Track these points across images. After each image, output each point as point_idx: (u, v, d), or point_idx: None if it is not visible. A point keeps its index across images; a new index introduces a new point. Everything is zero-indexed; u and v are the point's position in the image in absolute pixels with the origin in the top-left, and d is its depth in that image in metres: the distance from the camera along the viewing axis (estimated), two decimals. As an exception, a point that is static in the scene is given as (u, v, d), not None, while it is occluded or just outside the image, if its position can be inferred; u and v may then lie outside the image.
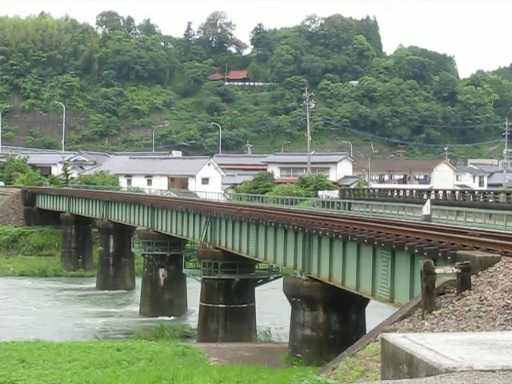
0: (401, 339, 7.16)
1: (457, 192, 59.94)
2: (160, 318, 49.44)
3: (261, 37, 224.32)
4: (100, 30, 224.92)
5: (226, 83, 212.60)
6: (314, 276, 30.23)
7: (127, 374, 23.34)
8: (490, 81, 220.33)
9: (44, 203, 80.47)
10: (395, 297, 23.32)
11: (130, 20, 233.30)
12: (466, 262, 15.17)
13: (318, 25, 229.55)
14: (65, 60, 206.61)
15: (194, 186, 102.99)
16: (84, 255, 73.51)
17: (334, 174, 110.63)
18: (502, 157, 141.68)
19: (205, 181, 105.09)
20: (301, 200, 68.37)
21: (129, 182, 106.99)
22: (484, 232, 21.09)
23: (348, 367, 14.39)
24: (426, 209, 42.65)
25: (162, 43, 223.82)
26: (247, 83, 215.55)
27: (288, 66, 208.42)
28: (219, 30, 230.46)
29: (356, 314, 30.60)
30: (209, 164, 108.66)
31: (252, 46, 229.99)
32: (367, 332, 21.95)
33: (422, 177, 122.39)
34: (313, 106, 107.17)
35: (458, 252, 17.14)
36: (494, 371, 6.22)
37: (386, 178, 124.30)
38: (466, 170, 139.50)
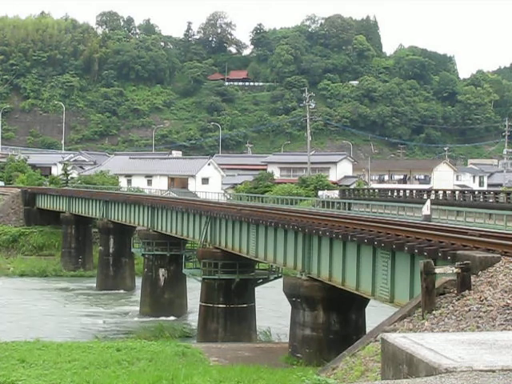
0: (401, 339, 7.17)
1: (457, 192, 59.89)
2: (160, 318, 49.45)
3: (261, 37, 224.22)
4: (100, 30, 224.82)
5: (226, 83, 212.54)
6: (314, 276, 30.23)
7: (127, 373, 23.34)
8: (490, 81, 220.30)
9: (44, 203, 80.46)
10: (395, 297, 23.33)
11: (130, 20, 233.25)
12: (465, 261, 15.17)
13: (318, 25, 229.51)
14: (65, 60, 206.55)
15: (194, 186, 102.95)
16: (84, 255, 73.50)
17: (334, 174, 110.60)
18: (502, 157, 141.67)
19: (205, 181, 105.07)
20: (301, 200, 68.35)
21: (129, 182, 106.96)
22: (484, 232, 21.09)
23: (348, 367, 14.39)
24: (426, 209, 42.65)
25: (162, 43, 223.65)
26: (247, 83, 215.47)
27: (288, 66, 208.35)
28: (219, 30, 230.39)
29: (356, 313, 30.61)
30: (209, 164, 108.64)
31: (252, 46, 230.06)
32: (367, 332, 21.95)
33: (422, 177, 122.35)
34: (313, 106, 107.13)
35: (458, 252, 17.14)
36: (493, 371, 6.22)
37: (386, 177, 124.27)
38: (466, 170, 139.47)
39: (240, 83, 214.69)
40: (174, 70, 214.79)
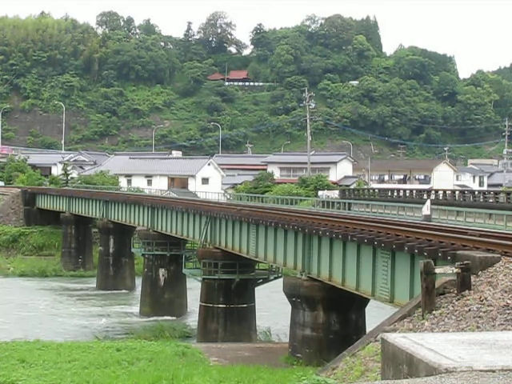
0: (401, 339, 7.17)
1: (457, 192, 59.89)
2: (160, 317, 49.45)
3: (261, 37, 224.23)
4: (100, 30, 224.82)
5: (226, 83, 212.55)
6: (314, 276, 30.23)
7: (127, 373, 23.35)
8: (490, 81, 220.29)
9: (44, 203, 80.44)
10: (395, 297, 23.33)
11: (130, 20, 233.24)
12: (465, 261, 15.17)
13: (318, 25, 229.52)
14: (65, 60, 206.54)
15: (194, 186, 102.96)
16: (84, 255, 73.50)
17: (334, 174, 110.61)
18: (502, 157, 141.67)
19: (205, 181, 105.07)
20: (301, 200, 68.34)
21: (129, 182, 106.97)
22: (484, 232, 21.09)
23: (348, 367, 14.38)
24: (426, 209, 42.65)
25: (162, 43, 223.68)
26: (247, 83, 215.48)
27: (288, 66, 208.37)
28: (219, 30, 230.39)
29: (356, 313, 30.60)
30: (209, 164, 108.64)
31: (252, 46, 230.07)
32: (367, 332, 21.95)
33: (422, 177, 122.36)
34: (313, 106, 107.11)
35: (458, 252, 17.14)
36: (493, 371, 6.22)
37: (386, 177, 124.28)
38: (466, 170, 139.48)
39: (240, 83, 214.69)
40: (174, 70, 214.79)
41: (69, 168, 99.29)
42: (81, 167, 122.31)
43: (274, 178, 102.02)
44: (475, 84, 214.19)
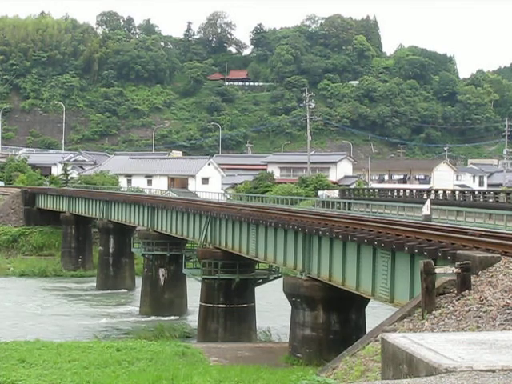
0: (401, 339, 7.17)
1: (457, 192, 59.90)
2: (160, 317, 49.44)
3: (261, 37, 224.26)
4: (100, 30, 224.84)
5: (226, 83, 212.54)
6: (314, 276, 30.23)
7: (127, 374, 23.36)
8: (490, 81, 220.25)
9: (44, 203, 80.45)
10: (395, 297, 23.32)
11: (130, 20, 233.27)
12: (465, 261, 15.16)
13: (318, 25, 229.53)
14: (65, 60, 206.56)
15: (194, 186, 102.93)
16: (84, 255, 73.51)
17: (334, 174, 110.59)
18: (502, 157, 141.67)
19: (205, 181, 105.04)
20: (301, 200, 68.32)
21: (129, 182, 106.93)
22: (484, 232, 21.08)
23: (348, 367, 14.38)
24: (426, 209, 42.63)
25: (162, 43, 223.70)
26: (247, 83, 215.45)
27: (288, 66, 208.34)
28: (219, 30, 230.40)
29: (356, 314, 30.60)
30: (209, 164, 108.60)
31: (252, 46, 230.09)
32: (367, 332, 21.94)
33: (422, 177, 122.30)
34: (313, 106, 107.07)
35: (458, 252, 17.13)
36: (494, 371, 6.22)
37: (386, 178, 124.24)
38: (466, 170, 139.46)
39: (240, 83, 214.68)
40: (174, 70, 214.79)
41: (69, 168, 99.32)
42: (81, 167, 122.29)
43: (274, 177, 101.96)
44: (475, 84, 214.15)
